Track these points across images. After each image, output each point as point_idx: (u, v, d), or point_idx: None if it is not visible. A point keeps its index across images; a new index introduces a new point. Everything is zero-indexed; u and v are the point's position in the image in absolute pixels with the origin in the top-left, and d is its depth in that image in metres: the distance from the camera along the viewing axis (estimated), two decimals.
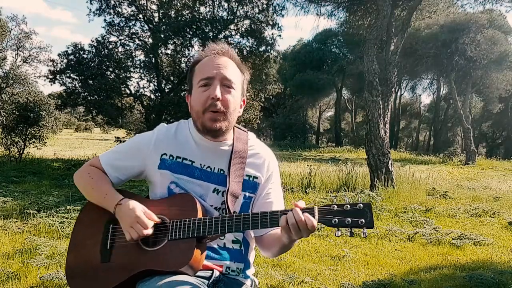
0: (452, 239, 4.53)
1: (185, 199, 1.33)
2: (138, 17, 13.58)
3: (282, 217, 1.19)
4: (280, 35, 20.72)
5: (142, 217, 1.27)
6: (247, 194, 1.42)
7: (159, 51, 13.92)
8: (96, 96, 12.58)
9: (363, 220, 1.15)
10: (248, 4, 13.24)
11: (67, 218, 4.59)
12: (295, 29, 37.25)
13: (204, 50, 1.42)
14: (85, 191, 1.45)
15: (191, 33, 13.33)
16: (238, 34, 13.94)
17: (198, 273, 1.30)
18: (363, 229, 1.17)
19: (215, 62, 1.36)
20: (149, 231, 1.26)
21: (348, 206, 1.17)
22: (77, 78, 12.71)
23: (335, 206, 1.18)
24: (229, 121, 1.37)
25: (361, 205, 1.17)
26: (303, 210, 1.18)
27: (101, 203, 1.39)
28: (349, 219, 1.16)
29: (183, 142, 1.41)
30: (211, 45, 1.42)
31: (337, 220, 1.16)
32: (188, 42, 13.63)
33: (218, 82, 1.34)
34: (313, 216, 1.17)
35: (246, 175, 1.42)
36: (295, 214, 1.17)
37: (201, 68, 1.37)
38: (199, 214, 1.28)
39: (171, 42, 13.49)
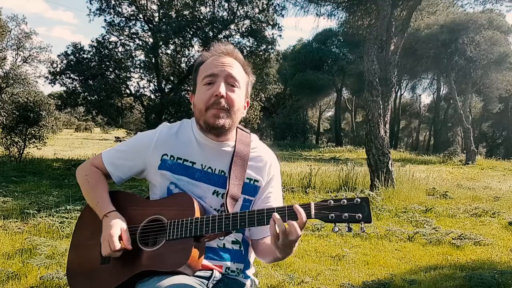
0: (452, 239, 4.53)
1: (183, 199, 1.33)
2: (138, 17, 13.60)
3: (270, 221, 1.17)
4: (280, 35, 20.71)
5: (115, 237, 1.26)
6: (247, 197, 1.41)
7: (159, 51, 13.93)
8: (96, 96, 12.58)
9: (360, 215, 1.13)
10: (248, 4, 13.25)
11: (67, 218, 4.59)
12: (295, 29, 37.29)
13: (209, 51, 1.41)
14: (82, 191, 1.48)
15: (191, 33, 13.34)
16: (238, 34, 13.96)
17: (198, 273, 1.29)
18: (361, 224, 1.15)
19: (220, 61, 1.36)
20: (115, 254, 1.25)
21: (345, 201, 1.16)
22: (77, 78, 12.73)
23: (332, 202, 1.17)
24: (232, 120, 1.36)
25: (358, 200, 1.15)
26: (300, 206, 1.17)
27: (93, 208, 1.41)
28: (346, 214, 1.14)
29: (185, 143, 1.40)
30: (216, 45, 1.41)
31: (333, 216, 1.15)
32: (188, 42, 13.63)
33: (223, 80, 1.33)
34: (310, 212, 1.16)
35: (247, 178, 1.41)
36: (274, 218, 1.16)
37: (206, 67, 1.37)
38: (197, 214, 1.28)
39: (172, 42, 13.50)
